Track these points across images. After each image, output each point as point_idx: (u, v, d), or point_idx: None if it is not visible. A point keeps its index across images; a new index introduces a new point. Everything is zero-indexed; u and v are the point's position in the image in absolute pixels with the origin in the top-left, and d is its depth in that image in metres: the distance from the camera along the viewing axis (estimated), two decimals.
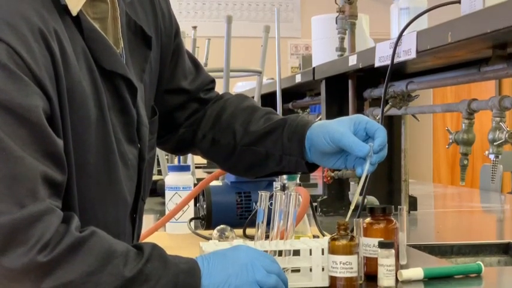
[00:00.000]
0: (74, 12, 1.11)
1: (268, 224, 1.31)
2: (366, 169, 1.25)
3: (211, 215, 1.84)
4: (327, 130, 1.27)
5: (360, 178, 1.26)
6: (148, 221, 2.19)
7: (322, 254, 1.27)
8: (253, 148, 1.36)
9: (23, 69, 1.00)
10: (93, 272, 0.99)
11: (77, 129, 1.08)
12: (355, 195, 1.33)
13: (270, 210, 1.31)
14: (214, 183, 1.88)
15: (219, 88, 1.53)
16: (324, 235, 1.67)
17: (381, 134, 1.26)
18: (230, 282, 1.08)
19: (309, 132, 1.30)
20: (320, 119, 2.81)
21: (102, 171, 1.14)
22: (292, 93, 3.47)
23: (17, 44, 1.00)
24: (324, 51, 2.84)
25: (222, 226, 1.71)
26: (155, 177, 2.67)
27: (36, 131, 1.00)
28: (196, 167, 3.32)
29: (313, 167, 1.34)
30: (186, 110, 1.42)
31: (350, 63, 2.23)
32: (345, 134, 1.25)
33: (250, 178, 1.49)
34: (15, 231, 0.96)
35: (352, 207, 1.25)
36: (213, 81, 1.48)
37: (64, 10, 1.11)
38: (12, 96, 0.98)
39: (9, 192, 0.96)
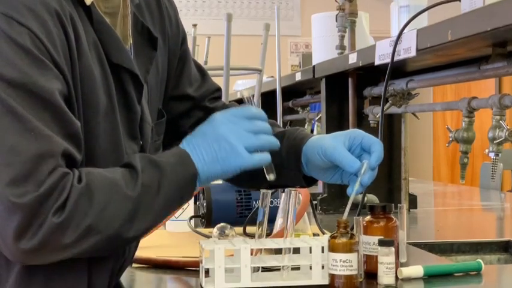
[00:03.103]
0: (88, 1, 1.14)
1: (269, 222, 1.32)
2: (355, 189, 1.24)
3: (211, 213, 1.84)
4: (320, 145, 1.27)
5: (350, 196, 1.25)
6: None
7: (322, 252, 1.27)
8: None
9: (44, 54, 1.04)
10: (104, 207, 1.05)
11: (86, 116, 1.11)
12: (352, 194, 1.33)
13: (270, 208, 1.31)
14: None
15: (220, 86, 1.53)
16: (323, 233, 1.67)
17: (377, 148, 1.24)
18: (222, 158, 1.13)
19: (305, 148, 1.30)
20: (320, 118, 2.81)
21: (109, 161, 1.15)
22: (292, 91, 3.47)
23: (37, 29, 1.04)
24: (324, 49, 2.84)
25: (222, 224, 1.71)
26: None
27: (57, 113, 1.04)
28: None
29: (311, 181, 1.34)
30: (190, 118, 1.43)
31: (350, 61, 2.23)
32: (337, 149, 1.24)
33: (252, 190, 1.49)
34: (36, 208, 1.00)
35: (349, 204, 1.25)
36: (218, 90, 1.48)
37: (77, 1, 1.13)
38: (36, 80, 1.02)
39: (35, 172, 1.00)
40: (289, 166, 1.32)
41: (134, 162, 1.10)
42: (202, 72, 1.46)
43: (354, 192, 1.25)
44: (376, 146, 1.24)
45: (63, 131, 1.04)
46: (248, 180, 1.39)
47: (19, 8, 1.04)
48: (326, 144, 1.26)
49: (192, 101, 1.42)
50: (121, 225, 1.06)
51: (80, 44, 1.10)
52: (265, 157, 1.17)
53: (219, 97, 1.48)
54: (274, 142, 1.18)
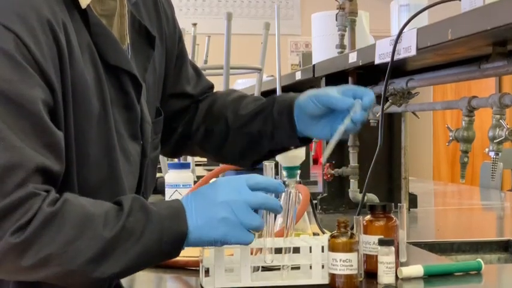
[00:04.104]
0: (84, 5, 1.12)
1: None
2: (346, 123, 1.25)
3: None
4: (313, 93, 1.30)
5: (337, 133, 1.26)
6: None
7: (322, 251, 1.27)
8: (246, 130, 1.38)
9: (29, 61, 1.01)
10: (71, 241, 1.00)
11: (78, 122, 1.09)
12: (341, 127, 1.28)
13: None
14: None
15: (219, 85, 1.55)
16: (323, 233, 1.67)
17: (370, 94, 1.27)
18: (216, 227, 1.08)
19: (297, 101, 1.33)
20: None
21: (102, 165, 1.14)
22: (292, 90, 3.44)
23: (25, 35, 1.01)
24: (324, 49, 2.84)
25: None
26: None
27: (36, 122, 1.01)
28: (197, 165, 3.32)
29: (305, 141, 1.36)
30: (187, 114, 1.45)
31: (350, 60, 2.23)
32: (330, 93, 1.28)
33: (247, 166, 1.48)
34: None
35: (334, 141, 1.26)
36: (212, 87, 1.51)
37: (73, 4, 1.12)
38: (16, 87, 1.00)
39: (0, 183, 0.97)
40: (282, 126, 1.34)
41: (124, 202, 1.06)
42: (196, 70, 1.49)
43: (343, 126, 1.26)
44: (368, 92, 1.27)
45: (41, 140, 1.01)
46: (241, 154, 1.41)
47: (8, 13, 1.02)
48: (319, 91, 1.30)
49: (190, 98, 1.45)
50: (85, 264, 1.01)
51: (72, 51, 1.08)
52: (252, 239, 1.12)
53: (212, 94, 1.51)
54: (262, 224, 1.12)
